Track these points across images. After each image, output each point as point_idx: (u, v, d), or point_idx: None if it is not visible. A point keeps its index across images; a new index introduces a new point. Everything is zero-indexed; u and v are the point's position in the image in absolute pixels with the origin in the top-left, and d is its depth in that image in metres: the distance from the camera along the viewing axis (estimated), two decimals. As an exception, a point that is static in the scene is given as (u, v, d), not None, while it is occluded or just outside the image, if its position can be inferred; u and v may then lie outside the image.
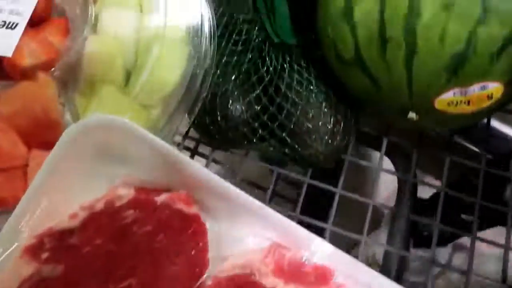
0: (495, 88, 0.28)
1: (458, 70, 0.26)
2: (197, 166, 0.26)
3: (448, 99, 0.28)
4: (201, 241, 0.26)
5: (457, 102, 0.29)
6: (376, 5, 0.27)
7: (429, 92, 0.28)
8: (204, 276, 0.26)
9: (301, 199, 0.36)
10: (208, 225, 0.27)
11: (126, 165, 0.27)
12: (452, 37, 0.25)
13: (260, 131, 0.33)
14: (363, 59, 0.29)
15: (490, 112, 0.32)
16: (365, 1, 0.27)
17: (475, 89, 0.27)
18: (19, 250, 0.24)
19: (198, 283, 0.26)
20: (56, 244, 0.24)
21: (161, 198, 0.26)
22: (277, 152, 0.35)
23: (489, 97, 0.28)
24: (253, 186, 0.43)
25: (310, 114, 0.33)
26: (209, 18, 0.33)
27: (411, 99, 0.29)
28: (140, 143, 0.26)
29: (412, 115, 0.31)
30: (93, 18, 0.31)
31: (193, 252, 0.26)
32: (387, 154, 0.52)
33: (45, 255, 0.24)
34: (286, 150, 0.34)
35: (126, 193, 0.25)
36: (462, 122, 0.33)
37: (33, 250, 0.24)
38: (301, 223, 0.30)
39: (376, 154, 0.49)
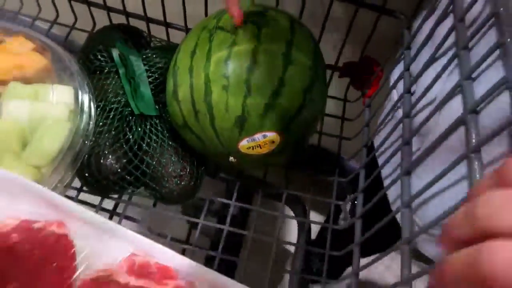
0: (273, 135, 0.42)
1: (243, 126, 0.41)
2: (69, 202, 0.38)
3: (246, 145, 0.42)
4: (69, 252, 0.36)
5: (252, 147, 0.43)
6: (188, 89, 0.41)
7: (232, 142, 0.42)
8: (72, 279, 0.36)
9: (222, 240, 0.48)
10: (79, 243, 0.38)
11: (12, 203, 0.37)
12: (232, 106, 0.40)
13: (127, 178, 0.46)
14: (188, 124, 0.43)
15: (287, 151, 0.46)
16: (183, 86, 0.42)
17: (259, 137, 0.42)
18: None
19: (69, 282, 0.36)
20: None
21: (38, 225, 0.36)
22: (147, 192, 0.47)
23: (272, 142, 0.42)
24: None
25: (163, 164, 0.46)
26: (89, 101, 0.46)
27: (224, 147, 0.43)
28: (22, 189, 0.37)
29: (231, 158, 0.45)
30: (-2, 106, 0.44)
31: (62, 261, 0.36)
32: (287, 204, 0.65)
33: None
34: (150, 191, 0.46)
35: (12, 223, 0.36)
36: (272, 161, 0.47)
37: None
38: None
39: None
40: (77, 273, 0.37)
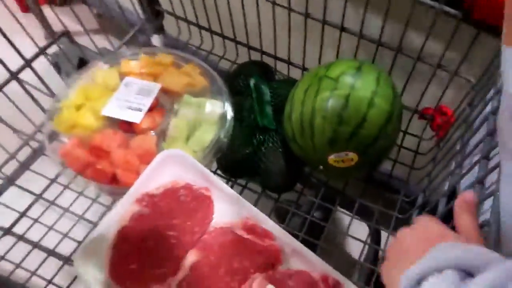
0: (353, 155, 0.59)
1: (333, 145, 0.59)
2: (212, 175, 0.59)
3: (333, 158, 0.60)
4: (210, 208, 0.58)
5: (337, 161, 0.61)
6: (299, 115, 0.61)
7: (324, 154, 0.61)
8: (209, 225, 0.58)
9: (306, 224, 0.68)
10: (216, 204, 0.59)
11: (182, 171, 0.60)
12: (327, 130, 0.58)
13: (248, 168, 0.67)
14: (295, 137, 0.62)
15: (363, 168, 0.63)
16: (296, 112, 0.62)
17: (342, 155, 0.60)
18: (133, 200, 0.57)
19: (208, 226, 0.57)
20: (148, 199, 0.57)
21: (195, 187, 0.59)
22: (258, 181, 0.67)
23: (352, 159, 0.60)
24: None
25: (273, 163, 0.66)
26: (230, 112, 0.68)
27: (318, 158, 0.62)
28: (188, 163, 0.59)
29: (321, 167, 0.63)
30: (176, 110, 0.67)
31: (205, 212, 0.58)
32: (358, 214, 0.81)
33: (143, 203, 0.57)
34: (260, 180, 0.67)
35: (181, 183, 0.58)
36: (350, 174, 0.64)
37: (138, 201, 0.57)
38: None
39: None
40: (212, 222, 0.58)
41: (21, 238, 0.69)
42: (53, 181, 0.74)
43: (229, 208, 0.59)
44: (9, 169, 0.72)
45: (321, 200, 0.72)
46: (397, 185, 0.74)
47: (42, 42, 0.80)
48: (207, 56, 0.87)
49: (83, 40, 0.93)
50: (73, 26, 0.89)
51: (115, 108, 0.66)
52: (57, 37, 1.02)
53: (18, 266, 0.65)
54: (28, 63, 0.76)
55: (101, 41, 0.90)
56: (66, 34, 1.11)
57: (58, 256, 0.68)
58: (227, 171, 0.68)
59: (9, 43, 0.71)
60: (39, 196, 0.73)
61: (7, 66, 0.71)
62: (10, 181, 0.71)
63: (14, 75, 0.73)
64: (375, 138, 0.59)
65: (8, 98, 0.71)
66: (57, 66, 1.24)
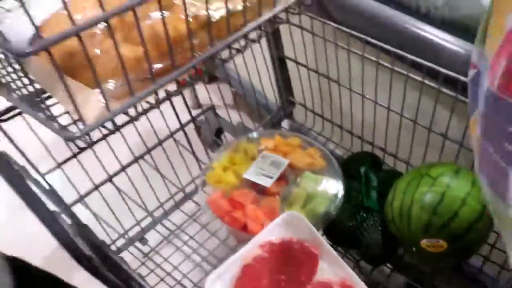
0: (443, 242, 0.70)
1: (426, 231, 0.70)
2: (321, 238, 0.74)
3: (425, 243, 0.71)
4: (316, 263, 0.72)
5: (428, 245, 0.71)
6: (400, 202, 0.74)
7: (417, 238, 0.72)
8: (313, 278, 0.71)
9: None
10: (321, 261, 0.73)
11: (298, 230, 0.76)
12: (422, 218, 0.70)
13: (351, 239, 0.80)
14: (394, 220, 0.75)
15: (452, 256, 0.72)
16: (397, 200, 0.75)
17: (434, 241, 0.70)
18: (257, 245, 0.74)
19: (312, 278, 0.71)
20: (269, 247, 0.74)
21: (306, 244, 0.74)
22: (355, 253, 0.80)
23: (442, 247, 0.70)
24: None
25: (372, 238, 0.78)
26: (342, 190, 0.83)
27: (412, 240, 0.73)
28: (304, 225, 0.75)
29: (414, 248, 0.74)
30: (298, 182, 0.85)
31: (311, 267, 0.72)
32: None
33: (264, 249, 0.74)
34: (361, 251, 0.79)
35: (296, 239, 0.74)
36: (440, 260, 0.74)
37: (261, 246, 0.74)
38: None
39: None
40: (316, 275, 0.72)
41: (163, 261, 0.90)
42: (192, 218, 0.95)
43: (331, 267, 0.73)
44: (166, 206, 0.96)
45: (411, 280, 0.81)
46: (486, 281, 0.80)
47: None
48: (326, 142, 1.05)
49: (221, 112, 1.18)
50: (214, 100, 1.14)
51: (252, 173, 0.86)
52: (207, 109, 1.30)
53: (162, 279, 0.84)
54: (193, 119, 1.01)
55: (235, 115, 1.14)
56: (212, 107, 1.39)
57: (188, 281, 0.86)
58: (330, 237, 0.82)
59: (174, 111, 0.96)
60: (179, 227, 0.95)
61: (168, 126, 0.96)
62: (165, 215, 0.93)
63: (181, 128, 0.98)
64: (465, 232, 0.69)
65: (166, 154, 0.96)
66: (198, 130, 1.53)
